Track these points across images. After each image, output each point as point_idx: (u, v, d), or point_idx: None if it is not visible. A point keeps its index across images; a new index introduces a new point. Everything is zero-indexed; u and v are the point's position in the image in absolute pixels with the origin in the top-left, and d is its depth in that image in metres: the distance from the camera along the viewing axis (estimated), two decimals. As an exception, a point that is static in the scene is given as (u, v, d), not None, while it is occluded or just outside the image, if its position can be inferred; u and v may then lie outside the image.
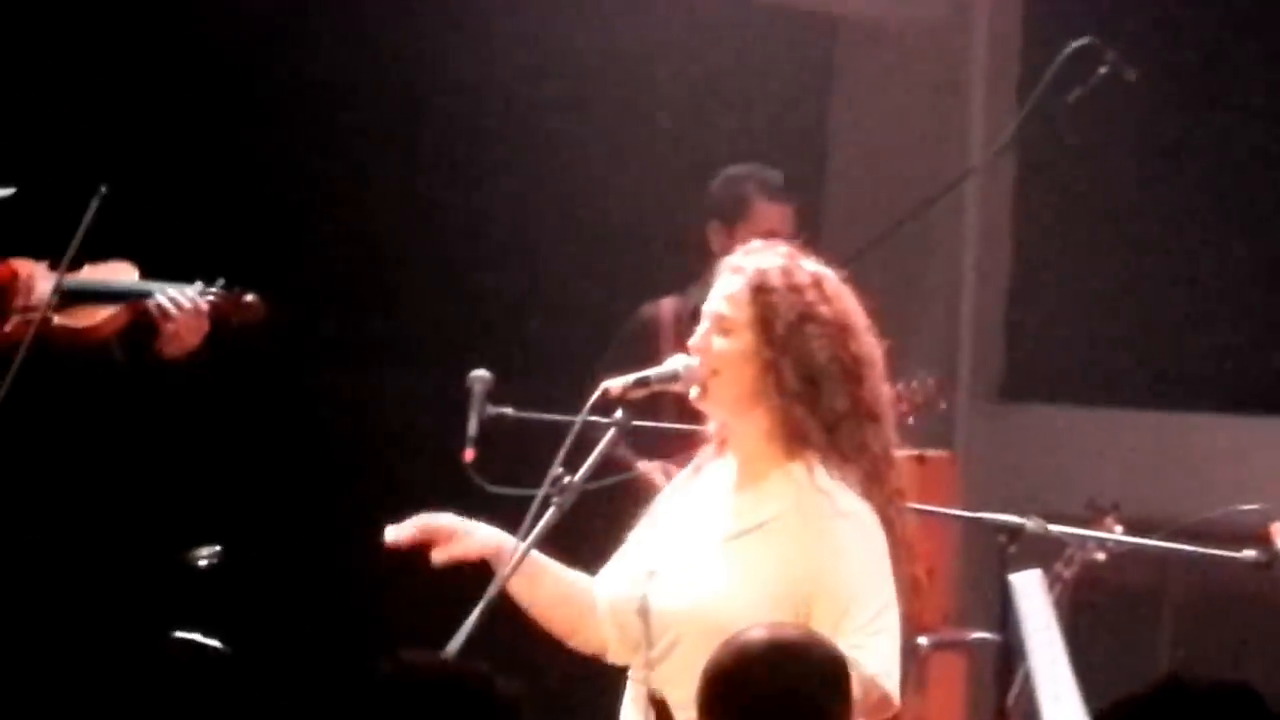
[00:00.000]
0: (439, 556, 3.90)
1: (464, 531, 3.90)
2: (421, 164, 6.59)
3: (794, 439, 3.82)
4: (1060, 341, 7.71)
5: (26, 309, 5.06)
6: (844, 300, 3.91)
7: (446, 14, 6.45)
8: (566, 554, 4.02)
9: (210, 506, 5.59)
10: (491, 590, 3.77)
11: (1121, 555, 5.51)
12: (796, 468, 3.80)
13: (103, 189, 4.93)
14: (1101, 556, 5.51)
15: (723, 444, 3.97)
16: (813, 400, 3.82)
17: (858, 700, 3.33)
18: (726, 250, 5.65)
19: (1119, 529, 5.48)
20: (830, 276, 3.92)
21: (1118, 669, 5.87)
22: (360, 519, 4.17)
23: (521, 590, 3.88)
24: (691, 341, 3.90)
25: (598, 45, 6.59)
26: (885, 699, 3.67)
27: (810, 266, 3.91)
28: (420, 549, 3.91)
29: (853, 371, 3.85)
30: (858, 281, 4.56)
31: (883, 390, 3.91)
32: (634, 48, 6.75)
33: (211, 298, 5.05)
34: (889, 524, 3.85)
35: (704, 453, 4.03)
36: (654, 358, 5.33)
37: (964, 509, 5.54)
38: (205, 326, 5.01)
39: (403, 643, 2.86)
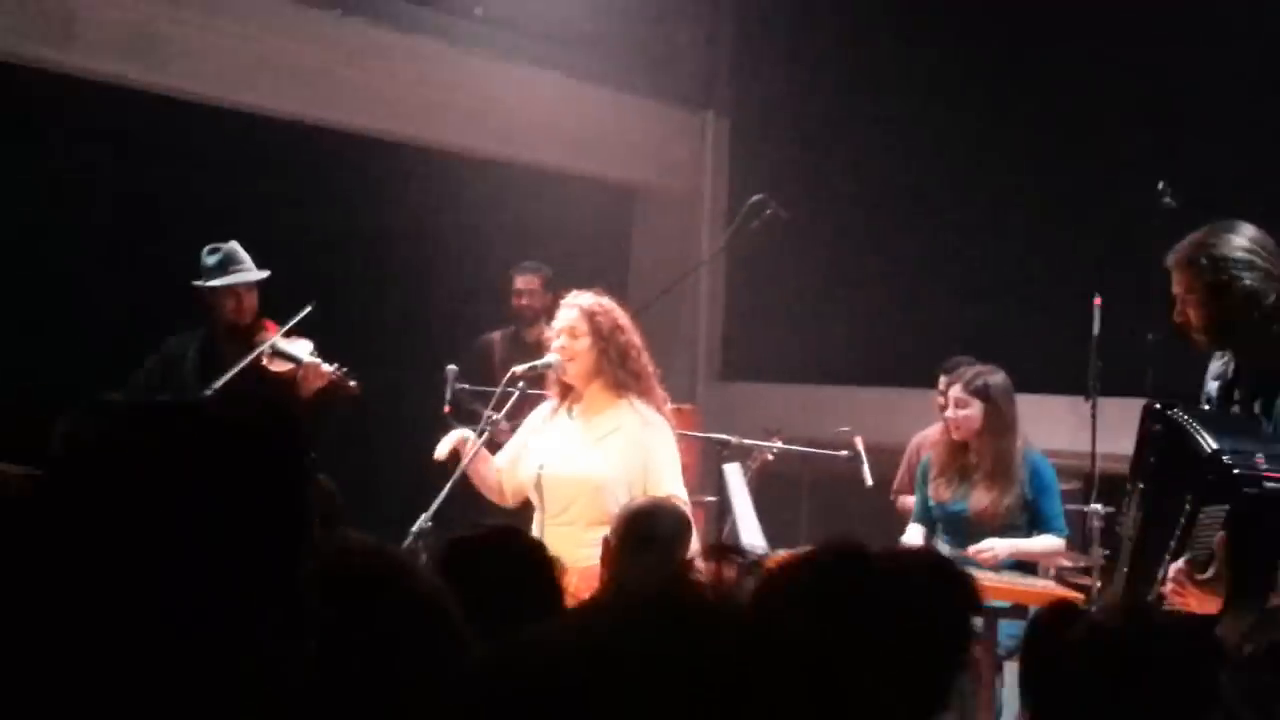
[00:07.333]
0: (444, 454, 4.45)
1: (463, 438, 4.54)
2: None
3: (620, 387, 4.50)
4: (755, 352, 8.95)
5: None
6: (623, 315, 4.53)
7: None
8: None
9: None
10: (461, 467, 4.40)
11: (781, 456, 6.33)
12: (624, 403, 4.50)
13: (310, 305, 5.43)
14: (770, 457, 6.31)
15: (563, 397, 4.56)
16: (624, 365, 4.49)
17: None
18: (513, 300, 6.67)
19: (779, 442, 6.35)
20: (612, 303, 4.54)
21: (779, 521, 6.08)
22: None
23: (472, 471, 4.47)
24: (555, 345, 4.56)
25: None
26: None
27: (606, 301, 4.54)
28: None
29: (637, 349, 4.52)
30: (650, 317, 5.32)
31: (646, 359, 4.53)
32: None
33: (333, 372, 5.39)
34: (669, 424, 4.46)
35: (548, 403, 4.60)
36: (489, 368, 6.33)
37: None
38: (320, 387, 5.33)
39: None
